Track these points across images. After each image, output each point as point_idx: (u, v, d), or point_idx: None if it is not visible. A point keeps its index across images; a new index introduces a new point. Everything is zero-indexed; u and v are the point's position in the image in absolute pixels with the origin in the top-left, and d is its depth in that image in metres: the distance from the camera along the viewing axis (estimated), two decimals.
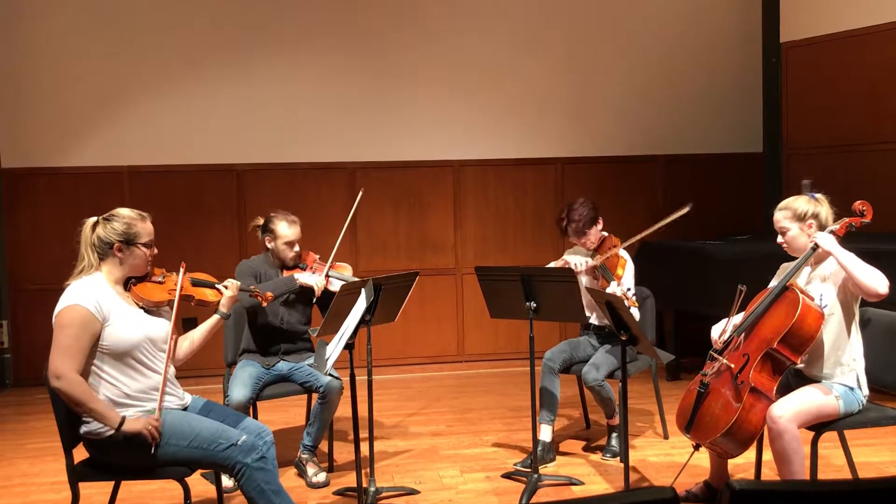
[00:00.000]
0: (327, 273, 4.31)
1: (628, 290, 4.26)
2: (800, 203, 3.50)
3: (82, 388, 3.02)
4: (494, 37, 6.81)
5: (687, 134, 7.05)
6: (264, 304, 4.00)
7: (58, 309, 3.08)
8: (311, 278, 4.26)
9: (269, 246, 4.35)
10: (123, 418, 3.05)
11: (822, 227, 3.47)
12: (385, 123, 6.73)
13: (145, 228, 3.24)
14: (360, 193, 4.72)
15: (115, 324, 3.09)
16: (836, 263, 3.38)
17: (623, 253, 4.46)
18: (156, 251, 3.29)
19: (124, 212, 3.25)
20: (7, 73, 6.35)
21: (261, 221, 4.40)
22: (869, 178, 6.18)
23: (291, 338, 4.36)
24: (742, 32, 7.10)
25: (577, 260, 4.46)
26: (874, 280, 3.23)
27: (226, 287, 3.47)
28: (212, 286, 3.47)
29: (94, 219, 3.23)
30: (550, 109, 6.92)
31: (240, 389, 4.04)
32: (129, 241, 3.19)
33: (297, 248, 4.34)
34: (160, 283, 3.31)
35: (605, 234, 4.56)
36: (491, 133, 6.86)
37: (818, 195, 3.55)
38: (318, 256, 4.42)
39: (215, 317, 3.46)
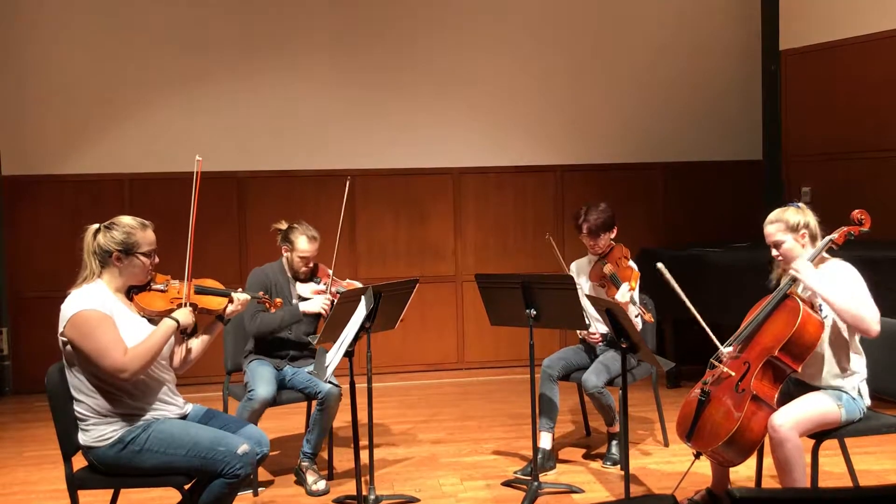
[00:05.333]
0: (338, 290, 4.32)
1: (645, 305, 4.28)
2: (790, 214, 3.48)
3: (140, 353, 3.04)
4: (494, 46, 6.83)
5: (686, 141, 7.06)
6: (272, 311, 4.00)
7: (63, 321, 3.05)
8: (314, 305, 4.26)
9: (285, 255, 4.37)
10: (176, 319, 3.17)
11: (813, 236, 3.47)
12: (385, 131, 6.74)
13: (146, 237, 3.21)
14: (347, 184, 4.59)
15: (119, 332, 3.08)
16: (833, 273, 3.38)
17: (633, 264, 4.46)
18: (157, 260, 3.27)
19: (125, 220, 3.22)
20: (9, 81, 6.36)
21: (284, 226, 4.41)
22: (868, 186, 6.19)
23: (297, 346, 4.38)
24: (741, 40, 7.11)
25: (586, 285, 4.50)
26: (858, 322, 3.26)
27: (238, 298, 3.42)
28: (216, 293, 3.42)
29: (96, 226, 3.21)
30: (550, 117, 6.93)
31: (265, 386, 4.04)
32: (127, 250, 3.16)
33: (311, 263, 4.36)
34: (163, 291, 3.28)
35: (614, 243, 4.55)
36: (491, 141, 6.87)
37: (800, 204, 3.55)
38: (331, 272, 4.42)
39: (217, 325, 3.44)
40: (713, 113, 7.07)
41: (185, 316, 3.21)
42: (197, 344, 3.39)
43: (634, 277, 4.34)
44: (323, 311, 4.24)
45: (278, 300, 3.85)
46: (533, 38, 6.88)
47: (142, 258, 3.19)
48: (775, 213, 3.52)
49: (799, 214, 3.47)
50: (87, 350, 3.02)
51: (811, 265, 3.37)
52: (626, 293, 4.18)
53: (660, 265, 3.62)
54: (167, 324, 3.16)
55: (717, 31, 7.09)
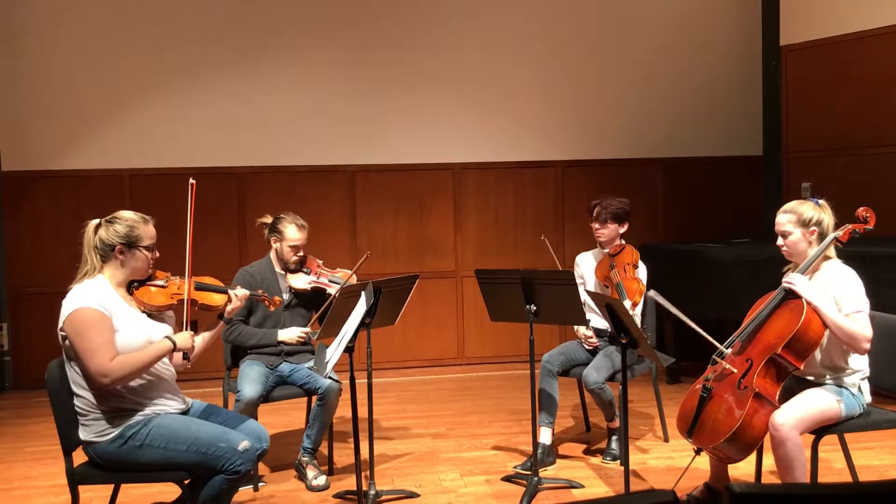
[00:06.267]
0: (331, 280, 4.35)
1: (643, 328, 4.26)
2: (805, 208, 3.48)
3: (127, 363, 3.04)
4: (495, 42, 6.82)
5: (687, 137, 7.06)
6: (272, 309, 4.01)
7: (63, 317, 3.07)
8: (290, 334, 4.29)
9: (274, 246, 4.38)
10: (172, 340, 3.16)
11: (823, 235, 3.46)
12: (385, 127, 6.74)
13: (147, 231, 3.23)
14: (366, 256, 4.63)
15: (118, 328, 3.09)
16: (831, 275, 3.38)
17: (640, 275, 4.43)
18: (157, 254, 3.28)
19: (127, 214, 3.24)
20: (9, 77, 6.35)
21: (269, 219, 4.43)
22: (869, 181, 6.18)
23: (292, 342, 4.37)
24: (742, 36, 7.10)
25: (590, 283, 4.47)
26: (850, 341, 3.29)
27: (235, 296, 3.44)
28: (216, 290, 3.43)
29: (96, 221, 3.23)
30: (551, 113, 6.93)
31: (251, 386, 4.05)
32: (130, 243, 3.18)
33: (301, 252, 4.38)
34: (163, 286, 3.30)
35: (624, 242, 4.52)
36: (491, 136, 6.86)
37: (821, 201, 3.52)
38: (320, 262, 4.46)
39: (218, 323, 3.45)
40: (713, 109, 7.06)
41: (183, 340, 3.21)
42: (198, 342, 3.38)
43: (639, 293, 4.33)
44: (298, 341, 4.30)
45: (277, 298, 3.86)
46: (534, 34, 6.87)
47: (144, 252, 3.21)
48: (791, 204, 3.53)
49: (814, 211, 3.46)
50: (77, 348, 3.04)
51: (806, 280, 3.38)
52: (627, 305, 4.17)
53: (652, 293, 3.62)
54: (163, 343, 3.15)
55: (718, 27, 7.08)
